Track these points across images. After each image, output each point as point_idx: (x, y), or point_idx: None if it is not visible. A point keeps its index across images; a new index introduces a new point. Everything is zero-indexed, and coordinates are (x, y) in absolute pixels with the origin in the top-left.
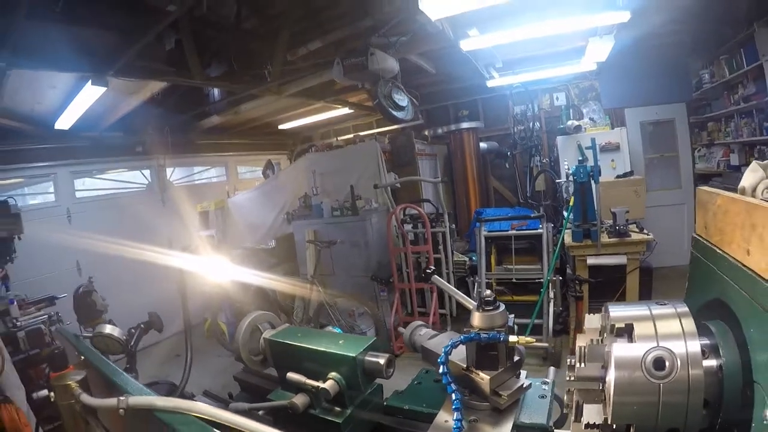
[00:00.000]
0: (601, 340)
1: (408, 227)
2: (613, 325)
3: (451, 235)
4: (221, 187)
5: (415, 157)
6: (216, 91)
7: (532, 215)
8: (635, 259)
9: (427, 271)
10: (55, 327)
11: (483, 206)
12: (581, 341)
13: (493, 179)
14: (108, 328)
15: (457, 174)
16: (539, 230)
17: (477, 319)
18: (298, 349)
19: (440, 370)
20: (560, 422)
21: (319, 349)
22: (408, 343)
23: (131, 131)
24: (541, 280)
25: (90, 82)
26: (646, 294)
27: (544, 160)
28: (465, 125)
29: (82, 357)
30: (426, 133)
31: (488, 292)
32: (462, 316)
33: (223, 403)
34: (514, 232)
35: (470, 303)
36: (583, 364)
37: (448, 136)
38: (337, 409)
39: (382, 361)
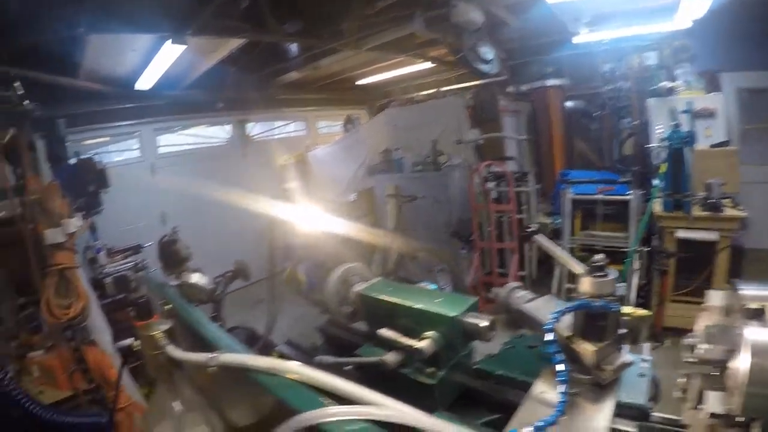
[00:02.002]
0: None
1: (491, 185)
2: (746, 306)
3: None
4: (301, 141)
5: (499, 114)
6: (294, 47)
7: (621, 180)
8: (727, 237)
9: (529, 229)
10: (140, 274)
11: (567, 168)
12: (705, 320)
13: (578, 140)
14: (194, 277)
15: (541, 133)
16: (628, 196)
17: (586, 284)
18: (393, 305)
19: (547, 338)
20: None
21: (416, 306)
22: (502, 304)
23: (211, 89)
24: (627, 249)
25: (170, 41)
26: (736, 276)
27: (634, 123)
28: (550, 82)
29: (168, 306)
30: (509, 89)
31: (600, 256)
32: (543, 279)
33: (306, 354)
34: (601, 196)
35: (578, 267)
36: (708, 346)
37: (533, 93)
38: (429, 369)
39: (483, 323)
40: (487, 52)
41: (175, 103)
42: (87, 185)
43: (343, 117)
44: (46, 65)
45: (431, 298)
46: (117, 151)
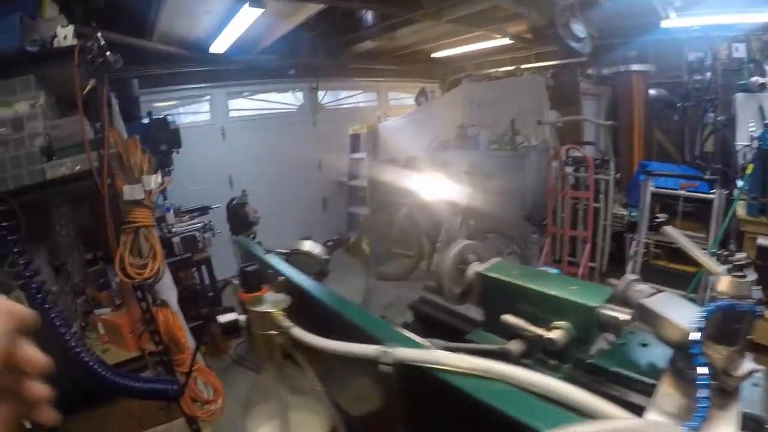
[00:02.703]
0: None
1: (569, 170)
2: None
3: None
4: (372, 111)
5: (579, 96)
6: (370, 16)
7: (704, 176)
8: None
9: (657, 219)
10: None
11: (645, 159)
12: None
13: (658, 131)
14: (307, 245)
15: (621, 120)
16: (711, 195)
17: (726, 284)
18: (520, 289)
19: (693, 337)
20: None
21: (550, 292)
22: (619, 297)
23: (284, 55)
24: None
25: (247, 4)
26: None
27: (719, 118)
28: (635, 67)
29: (281, 278)
30: (590, 71)
31: (743, 254)
32: (613, 272)
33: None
34: (683, 192)
35: (715, 265)
36: None
37: (615, 77)
38: (553, 362)
39: (624, 317)
40: (580, 30)
41: (248, 68)
42: (159, 144)
43: (415, 90)
44: (120, 26)
45: (564, 285)
46: (187, 113)
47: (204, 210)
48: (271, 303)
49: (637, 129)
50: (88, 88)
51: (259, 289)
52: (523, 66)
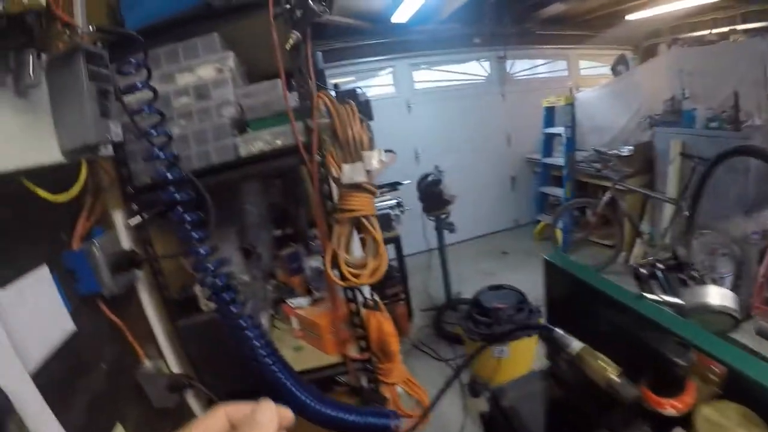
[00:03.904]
0: None
1: None
2: None
3: None
4: (561, 82)
5: None
6: None
7: None
8: None
9: None
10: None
11: None
12: None
13: None
14: (715, 294)
15: None
16: None
17: None
18: None
19: None
20: None
21: None
22: None
23: (467, 23)
24: None
25: None
26: None
27: None
28: None
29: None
30: None
31: None
32: None
33: None
34: None
35: None
36: None
37: None
38: None
39: None
40: None
41: (431, 38)
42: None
43: (608, 58)
44: None
45: None
46: (369, 86)
47: (394, 186)
48: None
49: None
50: (290, 43)
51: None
52: (738, 27)
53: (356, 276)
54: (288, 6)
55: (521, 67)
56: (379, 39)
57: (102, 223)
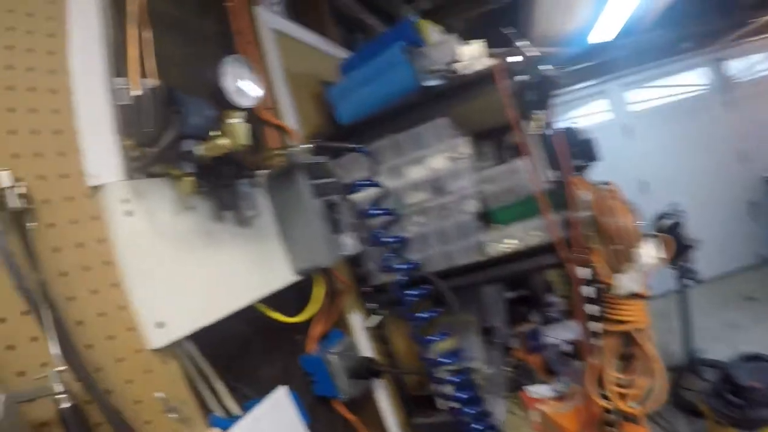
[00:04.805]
0: None
1: None
2: None
3: None
4: None
5: None
6: None
7: None
8: None
9: None
10: None
11: None
12: None
13: None
14: None
15: None
16: None
17: None
18: None
19: None
20: None
21: None
22: None
23: (672, 26)
24: None
25: None
26: None
27: None
28: None
29: None
30: None
31: None
32: None
33: None
34: None
35: None
36: None
37: None
38: None
39: None
40: None
41: (635, 52)
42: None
43: None
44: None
45: None
46: (573, 117)
47: None
48: None
49: None
50: (538, 124)
51: None
52: None
53: (623, 397)
54: (525, 79)
55: (743, 66)
56: (583, 63)
57: (339, 325)
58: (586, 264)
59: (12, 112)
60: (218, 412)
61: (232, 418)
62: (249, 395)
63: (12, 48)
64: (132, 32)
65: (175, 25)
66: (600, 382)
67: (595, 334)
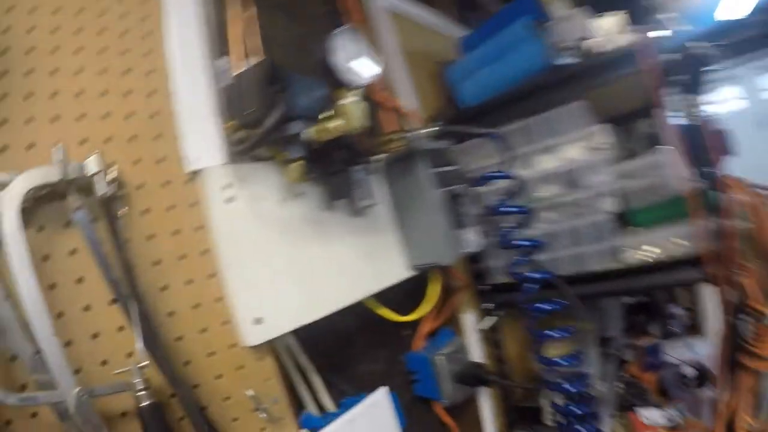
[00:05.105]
0: None
1: None
2: None
3: None
4: None
5: None
6: None
7: None
8: None
9: None
10: None
11: None
12: None
13: None
14: None
15: None
16: None
17: None
18: None
19: None
20: None
21: None
22: None
23: None
24: None
25: None
26: None
27: None
28: None
29: None
30: None
31: None
32: None
33: None
34: None
35: None
36: None
37: None
38: None
39: None
40: None
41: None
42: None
43: None
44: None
45: None
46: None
47: None
48: None
49: None
50: (687, 109)
51: None
52: None
53: None
54: (674, 57)
55: None
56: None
57: (450, 323)
58: (735, 285)
59: (104, 96)
60: (312, 409)
61: (326, 416)
62: (346, 391)
63: (105, 30)
64: (234, 11)
65: (279, 4)
66: (730, 426)
67: (733, 367)
